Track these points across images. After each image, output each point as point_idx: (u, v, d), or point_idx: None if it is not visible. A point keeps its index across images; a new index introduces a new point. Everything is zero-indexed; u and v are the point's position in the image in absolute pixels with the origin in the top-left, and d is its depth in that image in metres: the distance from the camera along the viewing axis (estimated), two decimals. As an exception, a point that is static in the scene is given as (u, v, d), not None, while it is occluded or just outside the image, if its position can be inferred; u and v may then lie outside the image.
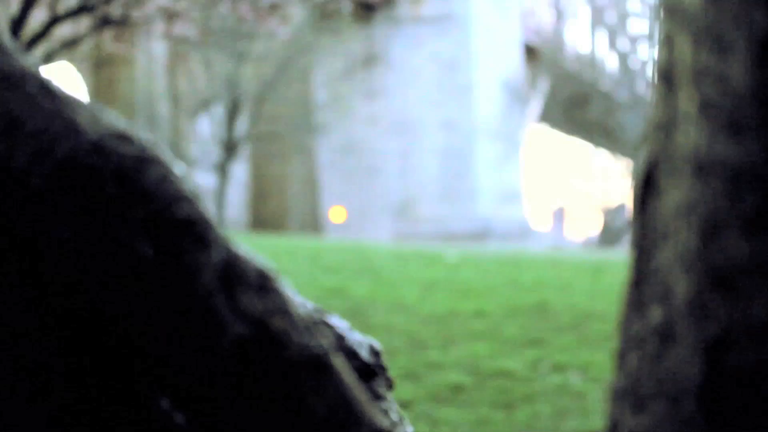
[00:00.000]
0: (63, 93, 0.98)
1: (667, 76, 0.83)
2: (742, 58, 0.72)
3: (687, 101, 0.78)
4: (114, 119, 0.98)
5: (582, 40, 42.03)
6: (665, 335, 0.80)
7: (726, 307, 0.74)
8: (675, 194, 0.79)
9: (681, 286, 0.78)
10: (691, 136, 0.77)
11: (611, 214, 39.86)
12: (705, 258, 0.75)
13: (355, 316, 10.56)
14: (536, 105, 40.47)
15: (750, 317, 0.72)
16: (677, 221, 0.79)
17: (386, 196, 40.04)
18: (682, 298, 0.78)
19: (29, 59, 0.98)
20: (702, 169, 0.75)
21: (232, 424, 0.95)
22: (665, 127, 0.82)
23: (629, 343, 0.88)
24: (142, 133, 0.97)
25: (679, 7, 0.83)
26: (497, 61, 39.58)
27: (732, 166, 0.72)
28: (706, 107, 0.75)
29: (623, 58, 36.64)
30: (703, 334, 0.76)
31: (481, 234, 36.87)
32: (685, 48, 0.79)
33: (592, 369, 8.04)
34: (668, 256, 0.80)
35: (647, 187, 0.85)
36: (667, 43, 0.84)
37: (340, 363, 1.00)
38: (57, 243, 0.94)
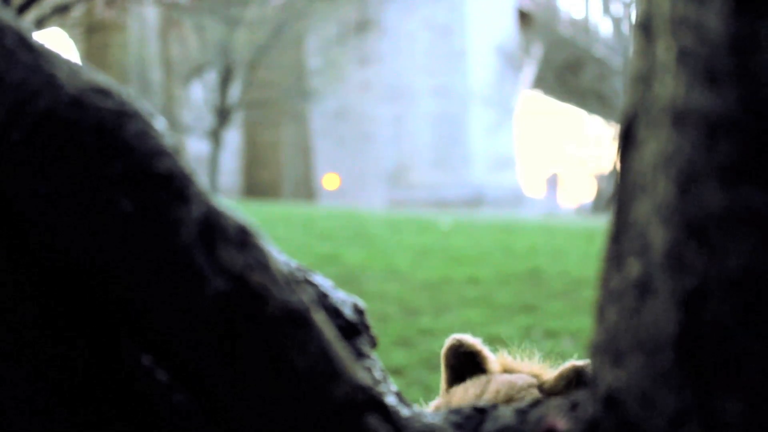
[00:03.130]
0: (42, 47, 0.97)
1: (645, 26, 0.82)
2: (718, 7, 0.71)
3: (665, 51, 0.78)
4: (93, 74, 0.97)
5: (576, 5, 41.87)
6: (643, 288, 0.80)
7: (702, 259, 0.74)
8: (653, 145, 0.79)
9: (658, 239, 0.77)
10: (668, 86, 0.76)
11: (605, 181, 39.87)
12: (681, 209, 0.75)
13: (349, 283, 10.59)
14: (530, 71, 40.37)
15: (726, 269, 0.72)
16: (655, 173, 0.78)
17: (379, 163, 40.02)
18: (659, 251, 0.77)
19: (8, 13, 0.97)
20: (679, 119, 0.75)
21: (213, 379, 0.95)
22: (644, 78, 0.82)
23: (608, 297, 0.88)
24: (121, 88, 0.96)
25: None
26: (491, 26, 39.44)
27: (709, 115, 0.72)
28: (683, 57, 0.75)
29: (617, 23, 36.48)
30: (679, 286, 0.76)
31: (475, 201, 36.93)
32: (663, -3, 0.79)
33: (584, 335, 8.07)
34: (646, 209, 0.80)
35: (626, 140, 0.85)
36: (646, -7, 0.83)
37: (321, 319, 0.99)
38: (37, 198, 0.93)
